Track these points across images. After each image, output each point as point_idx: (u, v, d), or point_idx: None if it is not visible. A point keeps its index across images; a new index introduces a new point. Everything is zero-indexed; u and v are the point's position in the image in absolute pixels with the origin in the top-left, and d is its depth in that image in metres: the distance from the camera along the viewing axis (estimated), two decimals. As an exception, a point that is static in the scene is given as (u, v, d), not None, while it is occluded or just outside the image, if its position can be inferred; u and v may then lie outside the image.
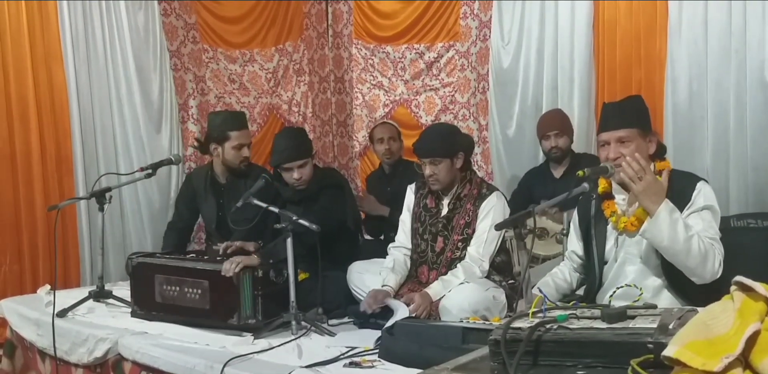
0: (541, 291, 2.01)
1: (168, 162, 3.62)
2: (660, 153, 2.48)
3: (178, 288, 3.05)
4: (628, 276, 2.43)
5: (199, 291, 2.99)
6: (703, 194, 2.36)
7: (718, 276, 2.26)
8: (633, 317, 1.56)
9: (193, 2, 4.73)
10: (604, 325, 1.52)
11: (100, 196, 3.35)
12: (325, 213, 3.21)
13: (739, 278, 1.32)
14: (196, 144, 3.76)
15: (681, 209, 2.31)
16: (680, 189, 2.38)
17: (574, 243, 2.70)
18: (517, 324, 1.59)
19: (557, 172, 3.92)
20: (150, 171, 3.51)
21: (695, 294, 2.31)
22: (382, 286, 2.96)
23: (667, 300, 2.37)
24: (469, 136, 3.31)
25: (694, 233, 2.24)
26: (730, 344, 1.20)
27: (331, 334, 2.78)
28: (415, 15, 4.93)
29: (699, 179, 2.43)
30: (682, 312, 1.53)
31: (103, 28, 4.27)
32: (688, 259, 2.23)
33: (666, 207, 2.23)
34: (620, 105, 2.50)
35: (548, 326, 1.55)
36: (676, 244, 2.21)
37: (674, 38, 3.71)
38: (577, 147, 3.98)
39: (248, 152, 3.63)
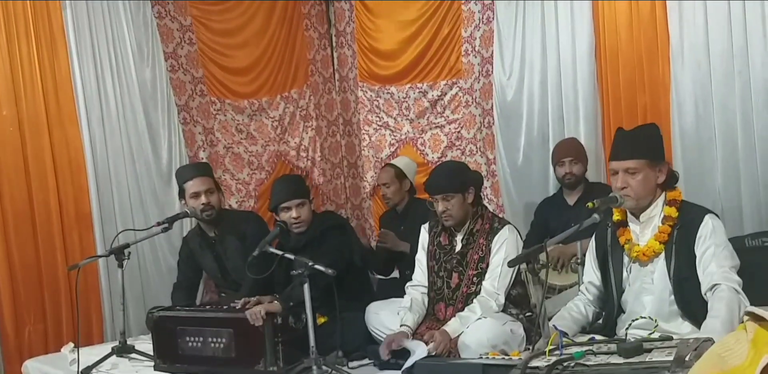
0: (556, 327, 2.00)
1: (184, 215, 3.68)
2: (670, 182, 2.50)
3: (201, 339, 3.08)
4: (646, 306, 2.42)
5: (224, 340, 3.02)
6: (713, 229, 2.37)
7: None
8: (649, 350, 1.55)
9: (200, 56, 4.82)
10: (620, 360, 1.51)
11: (119, 253, 3.37)
12: (333, 253, 3.24)
13: (750, 308, 1.33)
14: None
15: (687, 241, 2.33)
16: (688, 222, 2.40)
17: (591, 274, 2.69)
18: (534, 363, 1.59)
19: (571, 199, 3.91)
20: (167, 225, 3.54)
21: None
22: (401, 327, 2.97)
23: (682, 326, 2.35)
24: (477, 172, 3.36)
25: (736, 314, 2.12)
26: (745, 375, 1.19)
27: (353, 378, 2.77)
28: (415, 54, 4.98)
29: (707, 212, 2.45)
30: (697, 343, 1.53)
31: (114, 86, 4.37)
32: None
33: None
34: (631, 135, 2.53)
35: (566, 363, 1.55)
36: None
37: (677, 62, 3.73)
38: (587, 175, 3.98)
39: (207, 198, 3.60)
